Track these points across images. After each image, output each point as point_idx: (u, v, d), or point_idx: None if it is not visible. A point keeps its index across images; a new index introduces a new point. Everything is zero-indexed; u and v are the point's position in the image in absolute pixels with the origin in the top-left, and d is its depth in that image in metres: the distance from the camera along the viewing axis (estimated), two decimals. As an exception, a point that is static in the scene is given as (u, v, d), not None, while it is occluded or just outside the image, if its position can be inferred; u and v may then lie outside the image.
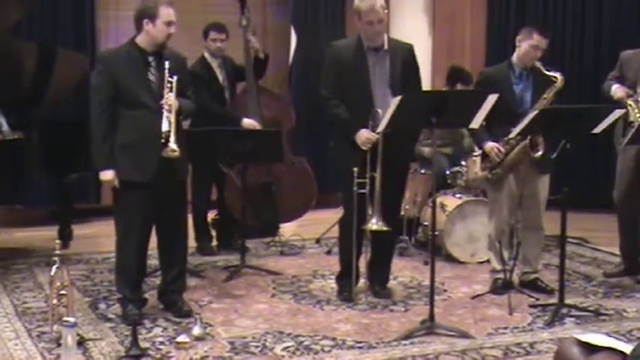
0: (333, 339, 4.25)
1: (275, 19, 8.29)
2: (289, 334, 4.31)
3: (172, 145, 4.24)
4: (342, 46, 4.99)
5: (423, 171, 6.29)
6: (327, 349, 4.11)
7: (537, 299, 4.93)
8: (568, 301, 4.77)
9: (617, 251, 5.67)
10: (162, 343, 4.15)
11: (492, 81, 4.97)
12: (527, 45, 4.96)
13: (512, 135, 4.74)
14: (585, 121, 4.63)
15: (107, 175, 4.38)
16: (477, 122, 4.44)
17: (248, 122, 6.01)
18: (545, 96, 4.89)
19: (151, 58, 4.41)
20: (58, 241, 4.26)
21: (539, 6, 8.20)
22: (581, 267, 5.87)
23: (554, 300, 4.79)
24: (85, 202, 7.14)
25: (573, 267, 5.80)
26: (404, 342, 4.19)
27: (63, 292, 4.11)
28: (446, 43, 8.51)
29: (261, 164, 6.10)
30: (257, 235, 6.47)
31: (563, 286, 4.72)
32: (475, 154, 5.79)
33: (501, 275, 5.03)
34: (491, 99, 4.30)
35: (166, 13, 4.36)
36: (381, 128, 4.47)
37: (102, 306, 4.78)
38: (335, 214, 5.92)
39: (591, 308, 4.82)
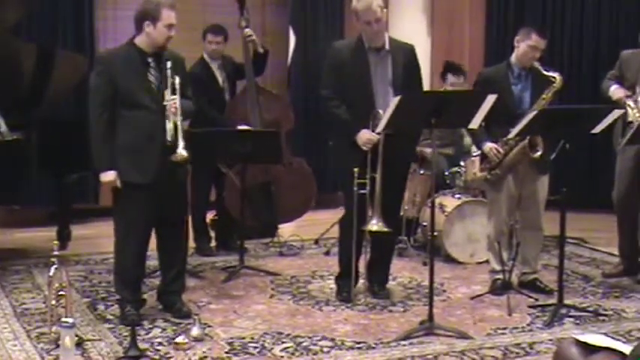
0: (332, 339, 4.24)
1: (274, 20, 8.29)
2: (288, 335, 4.30)
3: (181, 150, 4.23)
4: (343, 46, 4.97)
5: (422, 171, 6.28)
6: (325, 349, 4.11)
7: (536, 300, 4.93)
8: (567, 301, 4.77)
9: (616, 251, 5.66)
10: (160, 343, 4.15)
11: (491, 81, 4.96)
12: (525, 45, 4.95)
13: (511, 135, 4.73)
14: (584, 122, 4.63)
15: (108, 176, 4.36)
16: (476, 123, 4.44)
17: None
18: (543, 96, 4.88)
19: (150, 59, 4.38)
20: (55, 242, 4.26)
21: (538, 6, 8.21)
22: (580, 267, 5.87)
23: (553, 300, 4.79)
24: (83, 203, 7.13)
25: (572, 267, 5.81)
26: (403, 342, 4.19)
27: (61, 292, 4.10)
28: (444, 43, 8.51)
29: (260, 165, 6.09)
30: (256, 236, 6.48)
31: (562, 286, 4.72)
32: (474, 154, 5.78)
33: (500, 276, 5.03)
34: (490, 99, 4.29)
35: (168, 15, 4.32)
36: (380, 128, 4.46)
37: (100, 307, 4.78)
38: (334, 215, 5.93)
39: (590, 309, 4.82)
